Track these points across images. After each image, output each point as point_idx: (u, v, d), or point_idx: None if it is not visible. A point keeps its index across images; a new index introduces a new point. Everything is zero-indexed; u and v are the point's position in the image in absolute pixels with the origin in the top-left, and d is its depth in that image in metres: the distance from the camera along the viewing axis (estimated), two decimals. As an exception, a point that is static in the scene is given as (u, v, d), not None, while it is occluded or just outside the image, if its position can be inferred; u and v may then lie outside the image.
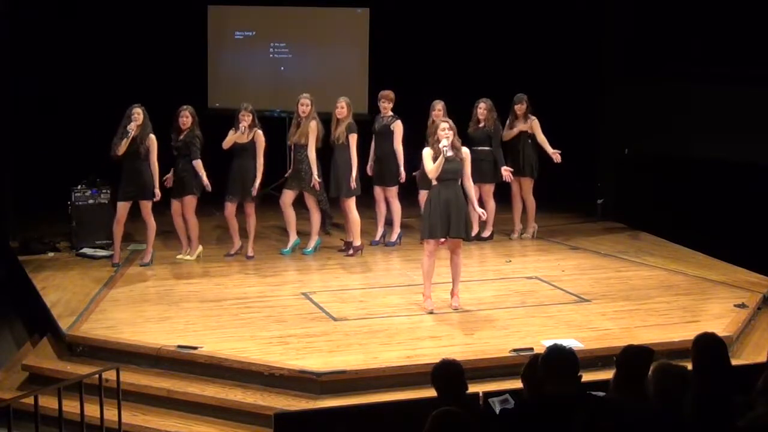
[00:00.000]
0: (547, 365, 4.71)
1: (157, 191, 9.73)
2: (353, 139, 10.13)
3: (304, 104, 10.09)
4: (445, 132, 8.28)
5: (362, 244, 10.47)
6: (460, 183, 8.38)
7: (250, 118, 9.92)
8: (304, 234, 10.53)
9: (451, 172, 8.29)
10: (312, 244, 10.46)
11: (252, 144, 9.98)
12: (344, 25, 14.06)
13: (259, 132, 9.98)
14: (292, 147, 10.29)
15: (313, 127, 10.01)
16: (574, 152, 12.58)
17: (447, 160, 8.22)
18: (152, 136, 9.68)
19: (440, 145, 8.23)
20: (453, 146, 8.26)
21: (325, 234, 10.70)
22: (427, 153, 8.40)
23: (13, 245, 10.74)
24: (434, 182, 8.37)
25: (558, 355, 4.77)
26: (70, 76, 12.96)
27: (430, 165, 8.31)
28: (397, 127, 10.45)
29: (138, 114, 9.59)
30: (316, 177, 10.05)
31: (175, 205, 9.99)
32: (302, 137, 10.08)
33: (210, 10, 14.04)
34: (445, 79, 13.09)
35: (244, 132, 9.83)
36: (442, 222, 8.24)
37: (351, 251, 10.41)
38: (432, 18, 13.75)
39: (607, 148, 12.43)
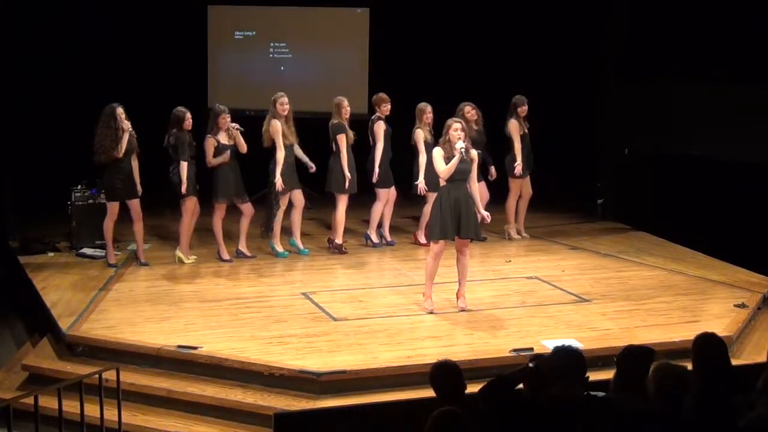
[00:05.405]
0: (553, 368, 4.71)
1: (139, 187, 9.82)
2: (342, 139, 10.21)
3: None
4: (458, 133, 8.22)
5: (343, 243, 10.49)
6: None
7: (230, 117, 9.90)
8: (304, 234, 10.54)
9: (462, 173, 8.24)
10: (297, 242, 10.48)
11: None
12: (344, 25, 14.08)
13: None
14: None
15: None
16: (574, 152, 12.61)
17: (459, 160, 8.16)
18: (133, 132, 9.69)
19: (457, 146, 8.14)
20: (466, 147, 8.22)
21: (267, 235, 10.37)
22: (438, 153, 8.30)
23: (13, 245, 10.75)
24: (443, 182, 8.33)
25: (565, 357, 4.77)
26: (70, 76, 12.97)
27: (443, 165, 8.22)
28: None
29: (122, 113, 9.57)
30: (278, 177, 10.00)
31: (191, 202, 9.90)
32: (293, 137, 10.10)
33: (210, 10, 14.06)
34: (445, 78, 13.11)
35: (232, 134, 9.80)
36: (452, 222, 8.21)
37: (334, 249, 10.47)
38: (432, 18, 13.77)
39: (607, 148, 12.43)
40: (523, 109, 10.88)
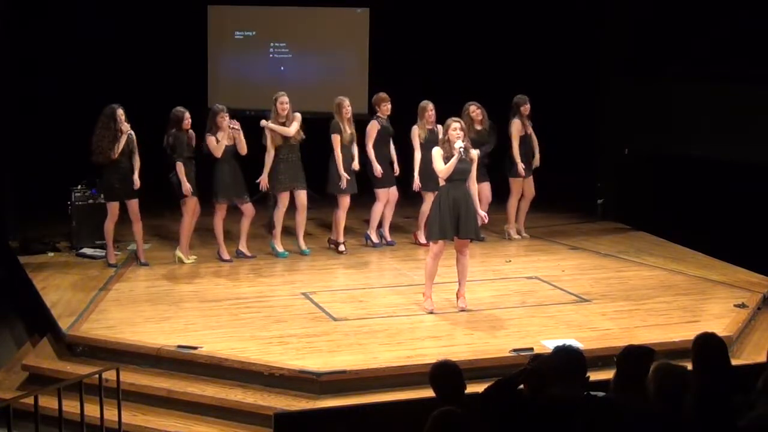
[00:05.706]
0: (553, 368, 4.70)
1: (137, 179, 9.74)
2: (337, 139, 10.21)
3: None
4: (457, 132, 8.20)
5: (340, 243, 10.48)
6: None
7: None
8: (295, 234, 10.52)
9: (461, 173, 8.22)
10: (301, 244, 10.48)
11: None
12: (344, 25, 14.09)
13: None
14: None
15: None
16: (574, 152, 12.61)
17: (458, 160, 8.16)
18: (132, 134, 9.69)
19: (456, 146, 8.13)
20: (465, 147, 8.22)
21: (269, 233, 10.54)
22: (437, 152, 8.28)
23: (13, 245, 10.75)
24: (442, 182, 8.32)
25: (565, 357, 4.77)
26: (70, 76, 12.97)
27: (442, 165, 8.21)
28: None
29: (122, 114, 9.58)
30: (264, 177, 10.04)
31: (192, 203, 9.91)
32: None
33: (210, 10, 14.07)
34: (445, 78, 13.11)
35: (233, 133, 9.80)
36: (452, 222, 8.20)
37: (334, 247, 10.51)
38: (432, 18, 13.76)
39: (607, 148, 12.43)
40: (526, 108, 10.87)
